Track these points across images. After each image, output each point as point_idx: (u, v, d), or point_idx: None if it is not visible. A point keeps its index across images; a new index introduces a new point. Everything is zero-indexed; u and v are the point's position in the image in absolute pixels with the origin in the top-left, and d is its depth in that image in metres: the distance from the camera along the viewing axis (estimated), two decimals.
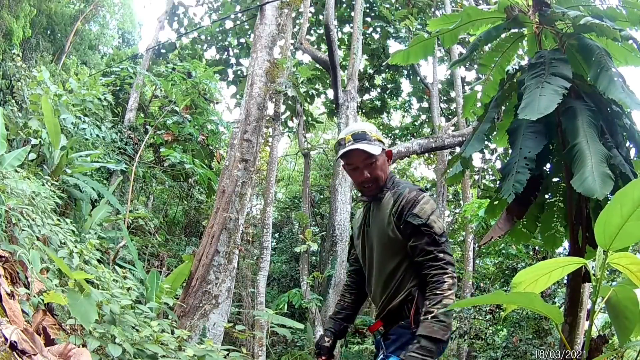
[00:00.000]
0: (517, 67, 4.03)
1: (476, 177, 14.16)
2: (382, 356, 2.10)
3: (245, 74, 12.55)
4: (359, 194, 2.56)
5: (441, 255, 1.98)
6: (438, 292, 1.90)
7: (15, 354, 1.77)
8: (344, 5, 14.48)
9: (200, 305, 5.31)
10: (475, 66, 10.53)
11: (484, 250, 10.27)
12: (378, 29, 14.44)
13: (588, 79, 3.38)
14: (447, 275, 1.94)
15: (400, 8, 13.79)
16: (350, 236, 2.60)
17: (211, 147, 10.97)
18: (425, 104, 15.72)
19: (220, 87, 14.57)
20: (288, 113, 13.04)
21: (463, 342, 9.61)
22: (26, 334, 1.94)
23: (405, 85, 16.65)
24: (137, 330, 2.63)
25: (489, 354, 8.59)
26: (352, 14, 12.16)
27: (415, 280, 2.08)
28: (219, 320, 5.28)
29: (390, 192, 2.22)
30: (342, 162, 2.28)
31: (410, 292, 2.07)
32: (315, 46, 14.12)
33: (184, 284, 5.53)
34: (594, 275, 1.29)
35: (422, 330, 1.86)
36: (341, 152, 2.19)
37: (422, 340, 1.83)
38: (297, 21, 12.64)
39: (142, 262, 7.24)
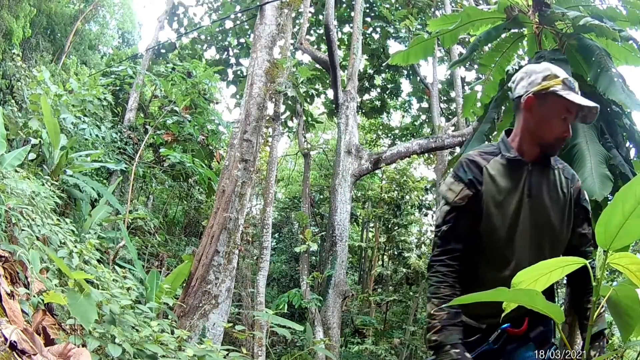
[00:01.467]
0: (517, 67, 4.03)
1: None
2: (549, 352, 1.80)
3: (245, 74, 12.55)
4: (508, 150, 1.88)
5: None
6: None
7: (15, 353, 1.77)
8: (344, 5, 14.49)
9: (200, 305, 5.31)
10: (475, 66, 10.55)
11: None
12: (378, 29, 14.45)
13: (588, 79, 3.38)
14: None
15: (400, 8, 13.80)
16: (467, 196, 1.83)
17: (211, 147, 10.97)
18: (425, 104, 15.73)
19: (220, 87, 14.60)
20: (288, 113, 13.05)
21: None
22: (26, 334, 1.94)
23: (405, 85, 16.67)
24: (137, 330, 2.63)
25: None
26: (352, 14, 12.17)
27: None
28: (218, 320, 5.28)
29: (558, 166, 1.92)
30: (557, 103, 1.78)
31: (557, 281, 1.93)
32: (315, 46, 14.12)
33: (184, 284, 5.53)
34: (594, 275, 1.29)
35: (603, 325, 1.76)
36: (580, 98, 1.77)
37: (605, 334, 1.79)
38: (297, 21, 12.64)
39: (142, 262, 7.24)
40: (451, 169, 1.93)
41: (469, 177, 1.85)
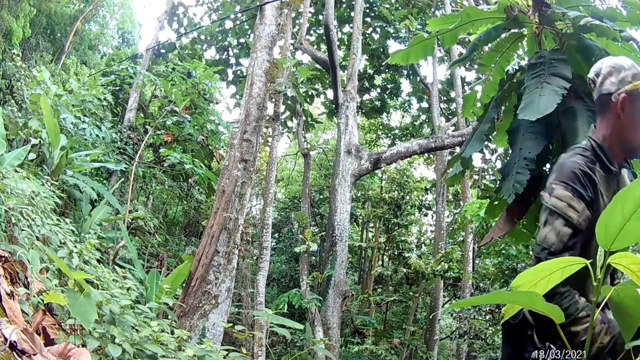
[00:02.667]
0: (517, 67, 4.02)
1: (476, 177, 14.17)
2: None
3: (245, 74, 12.55)
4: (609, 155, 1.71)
5: None
6: None
7: (14, 353, 1.77)
8: (344, 5, 14.49)
9: (200, 305, 5.31)
10: (475, 66, 10.55)
11: (484, 251, 10.29)
12: (378, 29, 14.45)
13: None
14: None
15: (400, 8, 13.80)
16: (588, 218, 1.58)
17: (211, 147, 10.97)
18: (425, 104, 15.74)
19: (220, 87, 14.60)
20: (288, 113, 13.05)
21: (463, 342, 9.61)
22: (26, 334, 1.94)
23: (405, 85, 16.68)
24: (137, 330, 2.63)
25: (489, 354, 8.60)
26: (352, 14, 12.17)
27: None
28: (218, 320, 5.28)
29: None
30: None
31: None
32: (315, 46, 14.12)
33: (184, 284, 5.53)
34: (594, 275, 1.28)
35: None
36: None
37: None
38: (297, 21, 12.65)
39: (142, 262, 7.24)
40: (560, 178, 1.63)
41: (590, 194, 1.60)
